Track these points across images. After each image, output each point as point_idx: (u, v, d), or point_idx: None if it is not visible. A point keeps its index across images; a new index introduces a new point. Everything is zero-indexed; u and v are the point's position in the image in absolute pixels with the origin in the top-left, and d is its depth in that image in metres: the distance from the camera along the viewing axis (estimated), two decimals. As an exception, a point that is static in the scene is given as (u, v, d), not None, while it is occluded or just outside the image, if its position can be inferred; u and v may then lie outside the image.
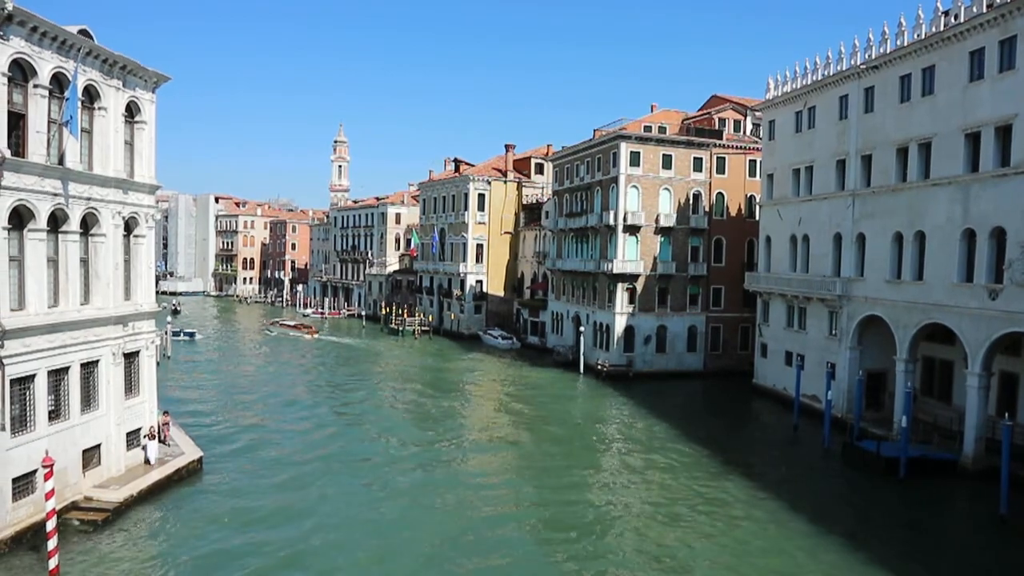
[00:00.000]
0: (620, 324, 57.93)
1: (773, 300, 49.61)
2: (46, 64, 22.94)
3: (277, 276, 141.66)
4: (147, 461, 28.24)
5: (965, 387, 33.00)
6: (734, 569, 22.32)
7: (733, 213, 60.28)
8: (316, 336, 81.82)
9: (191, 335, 76.87)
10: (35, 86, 22.68)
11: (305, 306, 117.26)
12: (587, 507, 27.79)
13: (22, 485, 22.37)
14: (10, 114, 21.81)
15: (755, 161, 59.18)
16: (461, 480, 31.06)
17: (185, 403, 42.69)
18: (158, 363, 31.94)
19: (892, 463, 31.89)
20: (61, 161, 24.01)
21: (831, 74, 43.06)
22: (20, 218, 22.38)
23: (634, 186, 57.62)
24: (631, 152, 57.34)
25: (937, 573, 22.26)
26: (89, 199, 25.19)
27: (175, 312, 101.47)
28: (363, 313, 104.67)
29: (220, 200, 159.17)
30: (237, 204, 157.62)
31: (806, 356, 45.28)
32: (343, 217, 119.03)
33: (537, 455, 35.11)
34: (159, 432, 31.17)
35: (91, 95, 25.55)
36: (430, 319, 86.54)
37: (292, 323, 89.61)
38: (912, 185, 36.42)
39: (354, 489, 29.19)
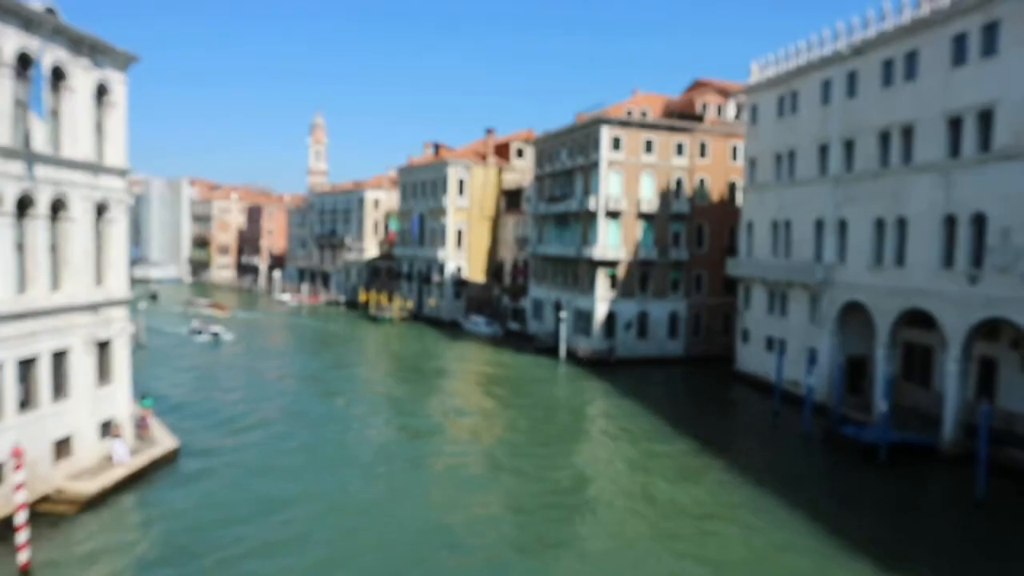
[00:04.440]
0: (601, 310, 57.82)
1: (755, 286, 49.70)
2: (9, 42, 22.05)
3: (253, 262, 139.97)
4: (110, 458, 26.94)
5: (944, 372, 33.30)
6: (713, 553, 22.29)
7: (715, 198, 60.26)
8: (229, 312, 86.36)
9: (216, 335, 65.80)
10: (-2, 65, 21.82)
11: (282, 292, 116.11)
12: (564, 491, 27.68)
13: (-10, 478, 21.76)
14: (-28, 93, 21.01)
15: (737, 146, 59.16)
16: (440, 466, 30.88)
17: (160, 392, 41.89)
18: (132, 351, 31.19)
19: (872, 448, 32.10)
20: (27, 143, 23.16)
21: (814, 59, 42.93)
22: (-16, 202, 21.59)
23: (616, 171, 57.36)
24: (613, 137, 57.03)
25: (914, 556, 22.36)
26: (58, 183, 24.38)
27: (153, 298, 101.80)
28: (341, 299, 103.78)
29: (194, 184, 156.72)
30: (212, 188, 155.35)
31: (787, 342, 45.46)
32: (321, 202, 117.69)
33: (517, 440, 34.87)
34: (139, 426, 30.46)
35: (58, 75, 24.66)
36: (409, 305, 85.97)
37: (206, 302, 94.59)
38: (894, 171, 36.48)
39: (334, 475, 28.81)
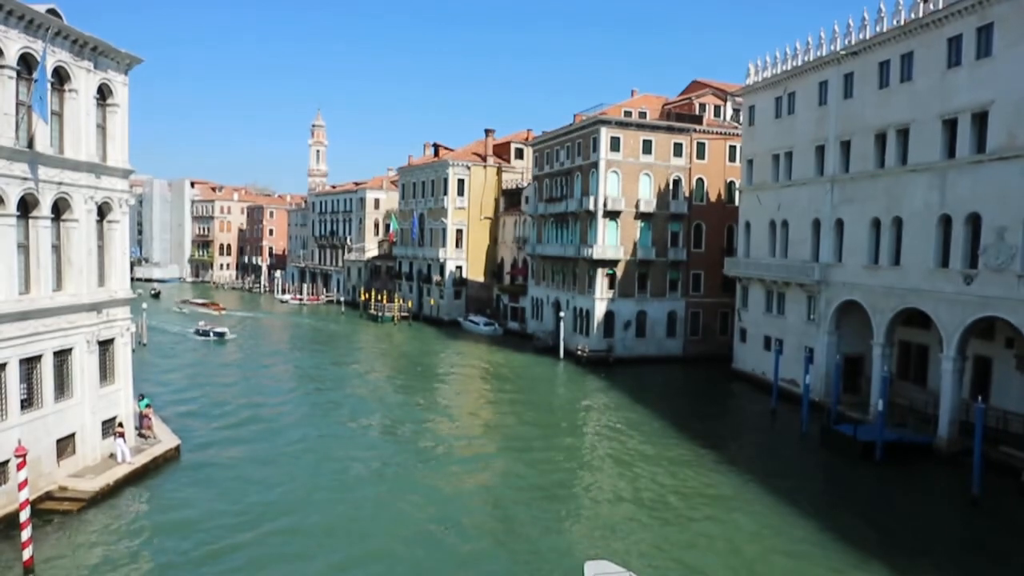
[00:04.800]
0: (600, 309, 58.05)
1: (752, 285, 49.93)
2: (13, 44, 22.27)
3: (254, 262, 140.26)
4: (112, 455, 27.22)
5: (940, 371, 33.49)
6: (707, 550, 22.52)
7: (713, 198, 60.47)
8: (223, 312, 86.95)
9: (220, 335, 65.13)
10: (1, 67, 22.03)
11: (283, 292, 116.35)
12: (563, 487, 27.91)
13: (-6, 475, 22.00)
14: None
15: (735, 146, 59.36)
16: (439, 462, 31.13)
17: (160, 391, 42.19)
18: (133, 350, 31.47)
19: (868, 446, 32.27)
20: (31, 144, 23.41)
21: (811, 60, 43.16)
22: (-12, 203, 21.82)
23: (614, 171, 57.58)
24: (611, 137, 57.24)
25: (910, 553, 22.56)
26: (60, 183, 24.61)
27: (155, 296, 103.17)
28: (342, 299, 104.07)
29: (196, 185, 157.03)
30: (213, 189, 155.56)
31: (785, 341, 45.68)
32: (321, 202, 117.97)
33: (516, 437, 35.09)
34: (140, 425, 30.65)
35: (61, 77, 24.89)
36: (409, 305, 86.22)
37: (200, 301, 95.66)
38: (890, 171, 36.70)
39: (335, 471, 29.09)
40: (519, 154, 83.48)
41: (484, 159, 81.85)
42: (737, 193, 55.34)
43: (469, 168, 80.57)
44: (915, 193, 34.92)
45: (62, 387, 25.18)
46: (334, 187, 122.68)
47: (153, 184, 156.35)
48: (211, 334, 65.46)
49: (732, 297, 54.64)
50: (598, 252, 57.02)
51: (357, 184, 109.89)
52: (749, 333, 50.76)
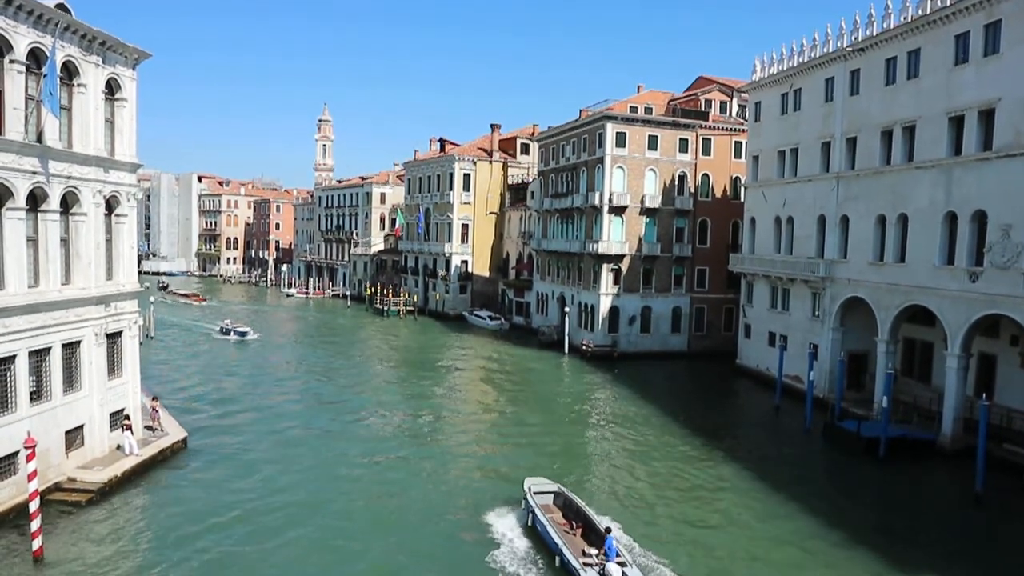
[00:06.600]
0: (605, 305, 58.13)
1: (757, 281, 49.92)
2: (22, 39, 22.44)
3: (261, 256, 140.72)
4: (119, 447, 27.41)
5: (945, 368, 33.51)
6: (708, 544, 22.61)
7: (718, 194, 60.42)
8: (204, 303, 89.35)
9: (243, 335, 62.38)
10: (11, 61, 22.20)
11: (289, 286, 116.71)
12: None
13: (4, 466, 22.26)
14: (-14, 90, 21.44)
15: (741, 143, 59.23)
16: (446, 455, 31.25)
17: (168, 383, 42.49)
18: (141, 343, 31.68)
19: (872, 443, 32.32)
20: (40, 139, 23.61)
21: (817, 56, 43.06)
22: (-2, 196, 22.04)
23: (620, 167, 57.56)
24: (617, 133, 57.20)
25: (913, 550, 22.63)
26: (69, 177, 24.81)
27: (163, 289, 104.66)
28: (348, 293, 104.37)
29: (203, 179, 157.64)
30: (220, 183, 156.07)
31: (789, 337, 45.68)
32: (328, 197, 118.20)
33: (518, 432, 35.23)
34: (149, 417, 30.90)
35: (70, 72, 25.07)
36: (415, 299, 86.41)
37: (183, 292, 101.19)
38: (896, 168, 36.65)
39: (340, 461, 29.34)
40: (525, 149, 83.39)
41: (490, 154, 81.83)
42: (742, 189, 55.25)
43: (475, 163, 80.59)
44: (921, 190, 34.87)
45: (70, 379, 25.42)
46: (340, 182, 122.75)
47: (161, 178, 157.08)
48: (233, 333, 63.06)
49: (737, 293, 54.63)
50: (603, 248, 57.07)
51: (363, 179, 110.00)
52: (753, 329, 50.77)
